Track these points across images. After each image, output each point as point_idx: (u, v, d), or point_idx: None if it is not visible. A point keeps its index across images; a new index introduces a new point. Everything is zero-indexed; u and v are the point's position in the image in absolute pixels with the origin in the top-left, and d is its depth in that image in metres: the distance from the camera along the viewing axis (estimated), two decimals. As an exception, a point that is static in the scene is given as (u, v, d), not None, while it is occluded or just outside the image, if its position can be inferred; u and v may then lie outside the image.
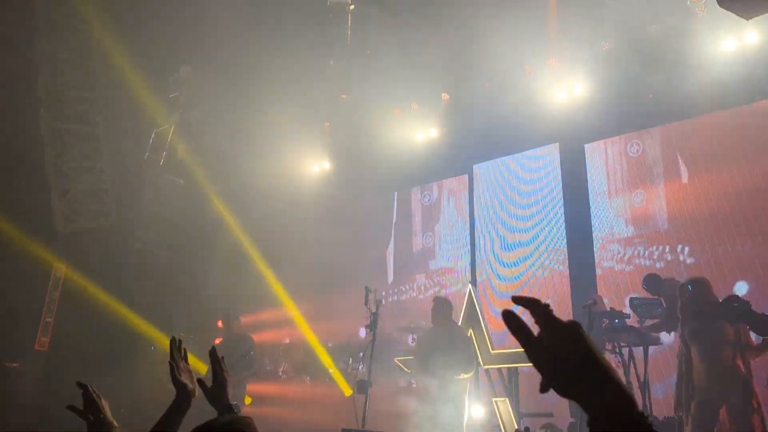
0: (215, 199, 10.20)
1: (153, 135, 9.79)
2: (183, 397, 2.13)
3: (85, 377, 2.42)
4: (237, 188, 10.44)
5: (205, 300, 9.81)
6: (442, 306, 6.41)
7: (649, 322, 6.75)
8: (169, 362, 2.20)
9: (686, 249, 7.93)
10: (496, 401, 6.75)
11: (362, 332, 8.85)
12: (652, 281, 6.95)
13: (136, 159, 9.75)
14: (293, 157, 10.68)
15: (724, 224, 7.72)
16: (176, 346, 2.26)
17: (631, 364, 6.67)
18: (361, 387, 5.84)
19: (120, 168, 9.24)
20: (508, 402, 6.67)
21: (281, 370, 9.15)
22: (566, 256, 8.80)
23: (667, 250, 8.10)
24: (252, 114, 9.88)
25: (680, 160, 8.27)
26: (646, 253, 8.23)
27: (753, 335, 4.92)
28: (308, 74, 9.36)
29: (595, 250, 8.62)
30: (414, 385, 6.80)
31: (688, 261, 7.85)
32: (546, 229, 9.18)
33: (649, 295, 6.79)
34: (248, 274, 10.14)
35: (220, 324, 7.82)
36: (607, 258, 8.52)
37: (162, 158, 9.87)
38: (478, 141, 9.72)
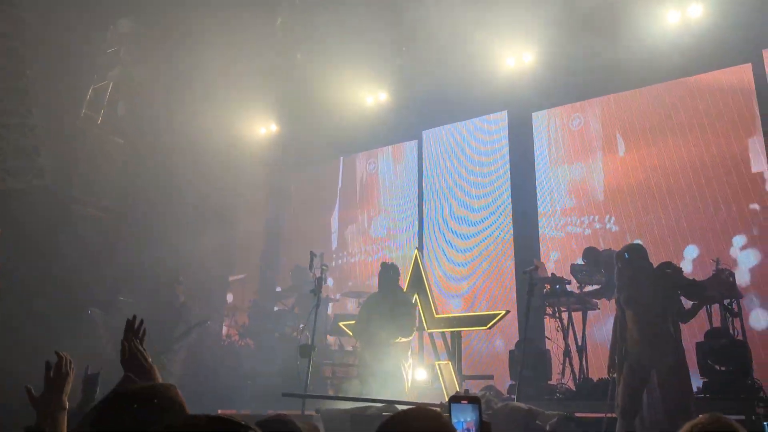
0: (158, 159, 9.85)
1: (90, 91, 9.33)
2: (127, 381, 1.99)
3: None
4: (181, 148, 10.10)
5: (150, 265, 9.54)
6: (388, 271, 6.42)
7: (588, 288, 6.97)
8: (122, 342, 2.02)
9: (612, 218, 8.16)
10: (438, 364, 6.85)
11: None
12: (590, 253, 7.15)
13: (73, 117, 9.28)
14: (239, 118, 10.40)
15: (657, 195, 7.97)
16: (132, 327, 2.05)
17: (570, 328, 6.90)
18: (305, 351, 5.82)
19: (55, 126, 8.78)
20: (450, 365, 6.78)
21: (225, 334, 9.06)
22: (511, 223, 8.94)
23: (601, 219, 8.33)
24: (197, 72, 9.52)
25: (618, 134, 8.46)
26: (586, 222, 8.44)
27: (684, 300, 5.11)
28: (256, 32, 9.05)
29: (539, 218, 8.78)
30: (358, 349, 6.83)
31: (615, 229, 8.09)
32: (494, 195, 9.28)
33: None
34: (195, 237, 9.89)
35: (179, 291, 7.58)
36: (549, 227, 8.70)
37: (100, 116, 9.44)
38: (428, 106, 9.66)
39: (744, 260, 7.22)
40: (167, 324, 6.98)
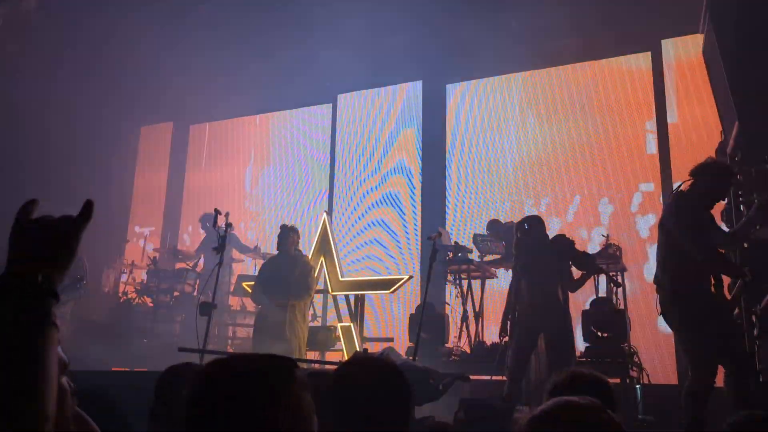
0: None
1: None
2: None
3: None
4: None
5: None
6: (287, 233, 6.40)
7: (488, 258, 7.24)
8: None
9: (518, 193, 8.51)
10: (340, 326, 6.94)
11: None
12: (494, 225, 7.43)
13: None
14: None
15: (564, 172, 8.37)
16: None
17: (469, 295, 7.16)
18: (205, 309, 5.70)
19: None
20: (352, 327, 6.89)
21: (121, 291, 8.72)
22: (420, 191, 9.11)
23: (508, 193, 8.65)
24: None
25: (529, 110, 8.77)
26: (493, 195, 8.74)
27: (574, 270, 5.43)
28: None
29: (446, 188, 8.98)
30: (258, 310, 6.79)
31: (519, 203, 8.45)
32: (404, 163, 9.39)
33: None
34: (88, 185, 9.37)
35: None
36: (457, 197, 8.93)
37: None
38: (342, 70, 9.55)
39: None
40: None
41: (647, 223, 7.70)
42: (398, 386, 1.76)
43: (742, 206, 4.86)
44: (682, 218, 4.12)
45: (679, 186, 4.35)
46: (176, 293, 8.41)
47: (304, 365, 5.31)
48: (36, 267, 0.99)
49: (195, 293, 8.05)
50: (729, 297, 4.43)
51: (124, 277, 9.20)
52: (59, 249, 1.03)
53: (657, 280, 4.32)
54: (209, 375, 1.14)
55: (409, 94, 9.65)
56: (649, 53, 8.14)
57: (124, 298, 8.47)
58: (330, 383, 1.75)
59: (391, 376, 1.79)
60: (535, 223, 5.47)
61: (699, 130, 7.63)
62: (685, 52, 7.95)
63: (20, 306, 0.95)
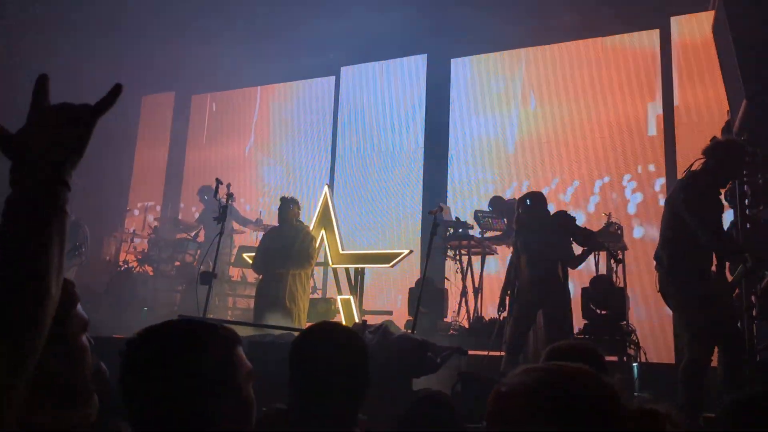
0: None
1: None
2: None
3: None
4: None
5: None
6: (287, 205, 6.40)
7: (489, 234, 7.23)
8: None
9: (520, 170, 8.47)
10: (340, 299, 6.97)
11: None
12: (496, 202, 7.40)
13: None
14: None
15: (564, 151, 8.32)
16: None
17: (469, 270, 7.17)
18: (205, 278, 5.72)
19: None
20: (351, 300, 6.92)
21: (122, 260, 8.73)
22: (422, 166, 9.07)
23: (509, 170, 8.61)
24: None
25: (532, 88, 8.68)
26: (494, 172, 8.70)
27: (575, 246, 5.42)
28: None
29: (448, 164, 8.95)
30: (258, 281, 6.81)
31: (520, 180, 8.42)
32: (408, 137, 9.34)
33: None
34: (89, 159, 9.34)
35: None
36: (459, 173, 8.90)
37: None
38: (346, 42, 9.45)
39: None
40: None
41: (645, 204, 7.69)
42: (355, 351, 1.77)
43: (746, 186, 4.82)
44: (691, 198, 4.07)
45: (692, 165, 4.29)
46: (177, 263, 8.43)
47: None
48: (50, 153, 0.96)
49: (195, 263, 8.07)
50: (730, 278, 4.42)
51: (124, 246, 9.22)
52: (74, 136, 1.00)
53: (657, 256, 4.31)
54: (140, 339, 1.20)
55: (413, 67, 9.56)
56: (657, 30, 8.02)
57: (125, 266, 8.48)
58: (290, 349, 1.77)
59: (347, 341, 1.78)
60: (537, 199, 5.46)
61: (701, 111, 7.56)
62: (689, 31, 7.84)
63: (33, 192, 0.93)
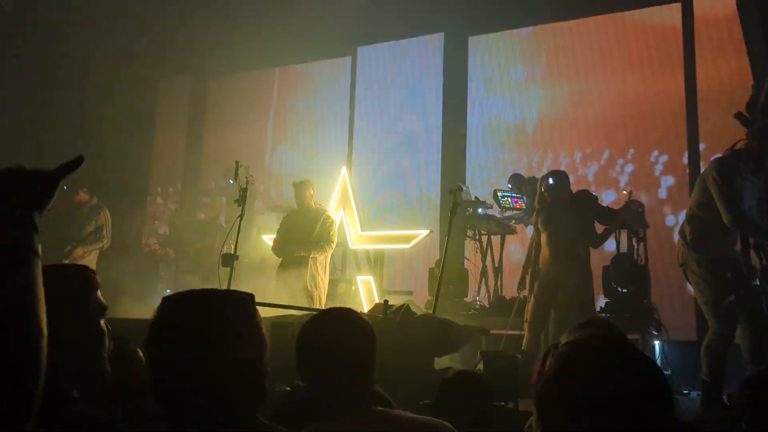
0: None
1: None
2: None
3: None
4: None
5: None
6: (302, 188, 6.38)
7: (508, 213, 7.21)
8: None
9: (539, 150, 8.40)
10: (360, 279, 7.00)
11: None
12: (515, 179, 7.37)
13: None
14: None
15: (584, 130, 8.22)
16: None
17: (489, 250, 7.17)
18: (227, 260, 5.78)
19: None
20: (371, 280, 6.95)
21: (144, 242, 8.84)
22: (440, 146, 9.02)
23: (528, 150, 8.54)
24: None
25: (552, 64, 8.56)
26: (513, 152, 8.64)
27: (597, 225, 5.39)
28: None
29: (467, 144, 8.89)
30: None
31: (540, 160, 8.34)
32: (424, 117, 9.28)
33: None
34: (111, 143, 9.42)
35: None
36: (478, 153, 8.85)
37: None
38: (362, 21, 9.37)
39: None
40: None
41: (668, 183, 7.58)
42: (359, 336, 1.73)
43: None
44: (724, 176, 4.00)
45: (735, 144, 4.18)
46: (198, 245, 8.50)
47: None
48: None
49: (217, 245, 8.13)
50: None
51: (146, 229, 9.32)
52: (41, 192, 1.05)
53: (681, 230, 4.28)
54: (169, 306, 1.28)
55: (431, 46, 9.46)
56: (679, 4, 7.84)
57: (147, 249, 8.59)
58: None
59: (356, 324, 1.77)
60: (559, 177, 5.43)
61: (723, 86, 7.40)
62: (711, 5, 7.65)
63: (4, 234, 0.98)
